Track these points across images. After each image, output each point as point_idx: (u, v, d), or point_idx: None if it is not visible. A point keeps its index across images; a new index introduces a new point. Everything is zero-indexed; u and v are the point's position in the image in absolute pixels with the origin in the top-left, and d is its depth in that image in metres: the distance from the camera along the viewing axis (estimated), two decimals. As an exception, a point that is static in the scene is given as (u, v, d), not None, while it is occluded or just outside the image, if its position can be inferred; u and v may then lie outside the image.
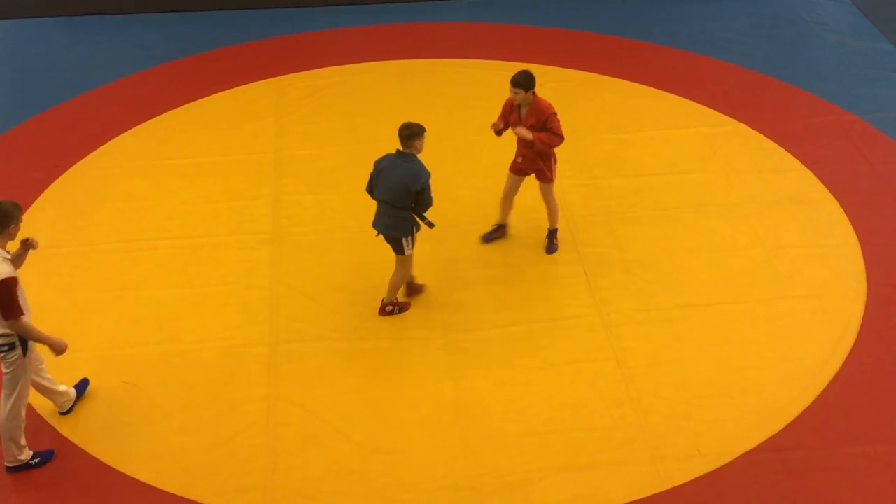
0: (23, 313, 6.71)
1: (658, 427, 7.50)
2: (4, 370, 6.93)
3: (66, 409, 7.63)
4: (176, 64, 12.15)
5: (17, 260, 6.96)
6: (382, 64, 12.05)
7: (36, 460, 7.26)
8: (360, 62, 12.08)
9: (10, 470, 7.22)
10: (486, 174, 10.04)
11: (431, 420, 7.60)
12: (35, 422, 7.52)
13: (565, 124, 8.30)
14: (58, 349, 7.00)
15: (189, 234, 9.37)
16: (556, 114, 8.46)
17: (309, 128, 10.90)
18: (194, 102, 11.39)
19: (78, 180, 10.16)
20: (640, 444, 7.37)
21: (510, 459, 7.28)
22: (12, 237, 6.80)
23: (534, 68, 11.70)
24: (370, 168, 7.93)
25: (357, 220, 9.49)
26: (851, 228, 9.35)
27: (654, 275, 8.85)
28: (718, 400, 7.71)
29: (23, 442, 7.17)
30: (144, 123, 11.00)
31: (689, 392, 7.79)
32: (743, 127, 10.79)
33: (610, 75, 11.70)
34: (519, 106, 8.53)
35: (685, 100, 11.25)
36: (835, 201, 9.70)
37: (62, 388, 7.54)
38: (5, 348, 6.80)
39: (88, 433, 7.53)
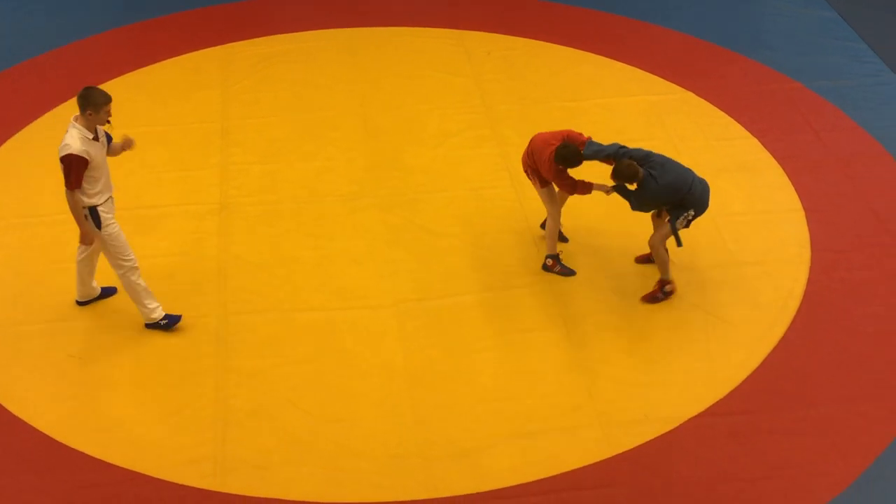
0: (78, 187, 7.14)
1: (607, 393, 7.57)
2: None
3: (84, 300, 8.15)
4: (119, 31, 11.93)
5: (113, 148, 7.53)
6: (331, 32, 11.92)
7: (164, 321, 7.90)
8: (308, 30, 11.95)
9: (148, 326, 7.94)
10: (435, 143, 10.02)
11: (382, 389, 7.61)
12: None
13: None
14: (85, 239, 7.47)
15: (135, 205, 9.23)
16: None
17: (257, 97, 10.78)
18: (138, 70, 11.20)
19: (19, 150, 9.97)
20: (589, 410, 7.44)
21: (460, 427, 7.32)
22: (97, 122, 7.21)
23: (481, 36, 11.78)
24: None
25: (307, 190, 9.42)
26: (796, 195, 9.47)
27: (604, 241, 8.91)
28: (666, 365, 7.81)
29: (149, 302, 7.82)
30: (87, 92, 10.79)
31: (637, 357, 7.87)
32: (689, 95, 10.85)
33: (556, 43, 11.68)
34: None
35: (632, 67, 11.28)
36: (780, 168, 9.81)
37: (94, 283, 8.12)
38: (86, 214, 7.40)
39: (34, 407, 7.43)
